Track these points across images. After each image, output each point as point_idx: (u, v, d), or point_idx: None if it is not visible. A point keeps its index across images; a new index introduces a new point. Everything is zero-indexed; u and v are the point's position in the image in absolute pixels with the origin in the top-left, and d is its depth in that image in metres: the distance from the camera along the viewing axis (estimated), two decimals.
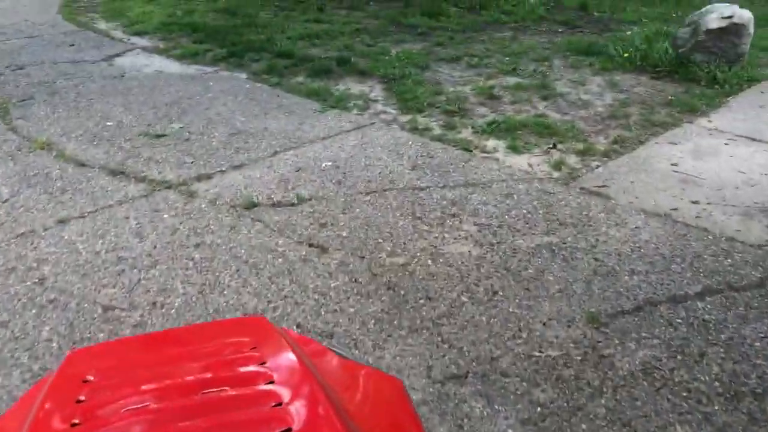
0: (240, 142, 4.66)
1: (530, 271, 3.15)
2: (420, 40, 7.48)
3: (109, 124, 5.00)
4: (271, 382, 1.13)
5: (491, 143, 4.65)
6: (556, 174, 4.19)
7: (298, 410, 1.06)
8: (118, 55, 7.01)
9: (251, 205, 3.77)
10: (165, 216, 3.66)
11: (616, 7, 9.44)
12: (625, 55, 6.21)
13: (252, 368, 1.17)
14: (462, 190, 3.96)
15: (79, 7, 9.51)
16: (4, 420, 1.27)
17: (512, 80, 5.88)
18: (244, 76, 6.25)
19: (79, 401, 1.10)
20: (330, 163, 4.32)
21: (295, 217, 3.65)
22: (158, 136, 4.76)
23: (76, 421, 1.05)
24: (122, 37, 7.76)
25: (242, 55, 6.79)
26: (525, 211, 3.70)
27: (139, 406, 1.08)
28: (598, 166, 4.29)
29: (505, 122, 4.94)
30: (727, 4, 5.80)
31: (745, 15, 5.60)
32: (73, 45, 7.39)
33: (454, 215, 3.66)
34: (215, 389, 1.11)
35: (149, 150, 4.53)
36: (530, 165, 4.33)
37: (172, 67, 6.57)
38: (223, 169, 4.26)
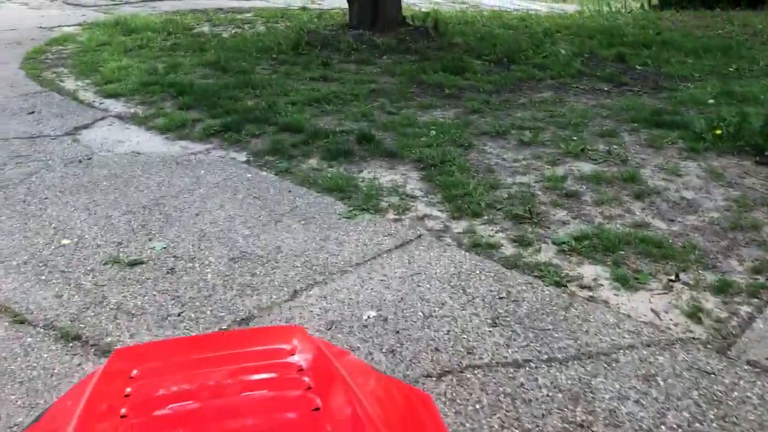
0: (245, 274, 3.38)
1: None
2: (450, 104, 6.28)
3: (65, 243, 3.70)
4: (309, 388, 1.15)
5: (588, 271, 3.41)
6: (698, 330, 2.95)
7: (335, 415, 1.09)
8: (86, 126, 5.74)
9: None
10: None
11: (657, 59, 8.35)
12: (718, 132, 5.03)
13: (290, 374, 1.21)
14: (578, 368, 2.70)
15: (45, 59, 8.25)
16: (54, 410, 1.30)
17: (585, 167, 4.67)
18: (242, 158, 4.99)
19: (126, 395, 1.15)
20: (374, 314, 3.05)
21: None
22: (132, 264, 3.47)
23: (124, 412, 1.10)
24: (93, 100, 6.49)
25: (239, 128, 5.54)
26: (688, 416, 2.44)
27: (182, 403, 1.12)
28: (752, 317, 3.06)
29: (597, 236, 3.71)
30: None
31: None
32: (32, 112, 6.11)
33: (583, 425, 2.39)
34: (255, 392, 1.15)
35: (118, 290, 3.24)
36: (655, 312, 3.08)
37: (153, 144, 5.30)
38: (224, 324, 2.98)
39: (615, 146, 5.06)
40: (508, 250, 3.64)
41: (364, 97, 6.43)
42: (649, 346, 2.84)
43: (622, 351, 2.80)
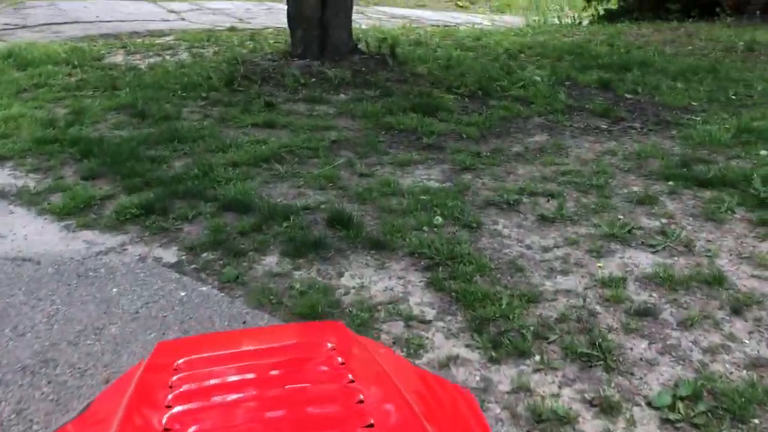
0: None
1: None
2: (433, 158, 5.05)
3: None
4: (351, 381, 1.14)
5: None
6: None
7: (378, 408, 1.08)
8: None
9: None
10: None
11: (645, 84, 7.37)
12: None
13: (332, 367, 1.20)
14: None
15: None
16: (101, 400, 1.30)
17: (642, 258, 3.50)
18: (172, 258, 3.62)
19: (170, 385, 1.16)
20: None
21: None
22: None
23: (169, 402, 1.10)
24: None
25: (165, 209, 4.15)
26: None
27: (226, 396, 1.12)
28: None
29: (710, 390, 2.55)
30: None
31: None
32: None
33: None
34: (297, 384, 1.15)
35: None
36: None
37: (46, 239, 3.86)
38: None
39: (664, 219, 3.93)
40: (588, 424, 2.42)
41: (325, 152, 5.13)
42: None
43: None
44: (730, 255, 3.51)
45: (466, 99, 6.67)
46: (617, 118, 6.24)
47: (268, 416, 1.06)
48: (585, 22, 14.43)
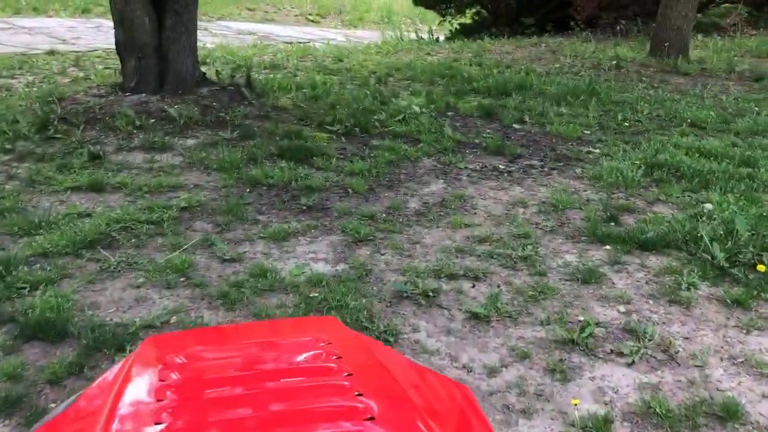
0: None
1: None
2: (317, 226, 3.98)
3: None
4: (349, 375, 1.13)
5: None
6: None
7: (378, 401, 1.04)
8: None
9: None
10: None
11: (530, 111, 6.78)
12: (761, 268, 3.28)
13: (329, 361, 1.18)
14: None
15: None
16: (89, 394, 1.25)
17: (619, 377, 2.64)
18: None
19: (161, 379, 1.12)
20: None
21: None
22: None
23: (160, 397, 1.06)
24: None
25: None
26: None
27: (219, 390, 1.08)
28: None
29: None
30: None
31: None
32: None
33: None
34: (294, 378, 1.12)
35: None
36: None
37: None
38: None
39: (621, 308, 3.11)
40: None
41: (173, 225, 3.91)
42: None
43: None
44: (722, 360, 2.74)
45: (343, 138, 5.66)
46: (513, 155, 5.52)
47: (265, 410, 1.03)
48: (441, 38, 13.95)
